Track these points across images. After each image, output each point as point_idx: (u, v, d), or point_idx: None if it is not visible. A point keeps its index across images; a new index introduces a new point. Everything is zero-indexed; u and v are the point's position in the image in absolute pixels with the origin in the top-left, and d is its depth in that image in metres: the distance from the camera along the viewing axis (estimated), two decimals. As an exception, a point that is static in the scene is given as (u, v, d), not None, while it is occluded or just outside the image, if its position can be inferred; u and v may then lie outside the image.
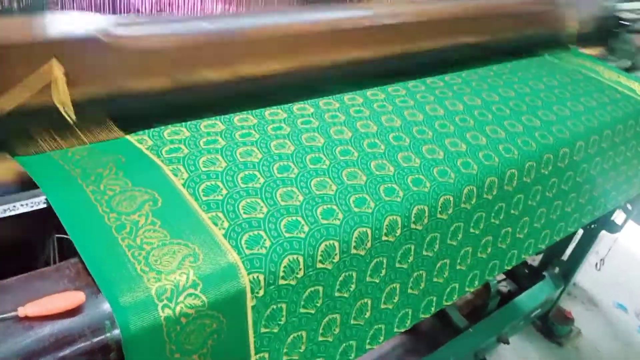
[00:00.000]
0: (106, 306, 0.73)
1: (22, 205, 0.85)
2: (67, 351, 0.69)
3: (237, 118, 1.18)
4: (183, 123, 1.13)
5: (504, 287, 2.77)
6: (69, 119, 0.96)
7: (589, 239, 2.55)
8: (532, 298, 2.54)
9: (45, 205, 0.87)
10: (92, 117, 1.04)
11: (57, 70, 0.92)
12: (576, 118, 1.49)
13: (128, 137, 1.07)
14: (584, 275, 3.11)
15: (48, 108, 0.94)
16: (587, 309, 3.03)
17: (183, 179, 0.96)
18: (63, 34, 0.94)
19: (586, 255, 2.60)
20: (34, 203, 0.86)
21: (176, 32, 1.12)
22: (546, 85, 1.65)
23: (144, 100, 1.12)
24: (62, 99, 0.93)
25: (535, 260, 2.81)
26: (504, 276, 2.82)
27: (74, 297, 0.71)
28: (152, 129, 1.09)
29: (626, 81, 1.78)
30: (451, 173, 1.15)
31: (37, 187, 0.89)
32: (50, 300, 0.70)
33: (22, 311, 0.69)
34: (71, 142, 1.02)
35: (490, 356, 2.60)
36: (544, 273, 2.69)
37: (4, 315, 0.68)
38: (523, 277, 2.76)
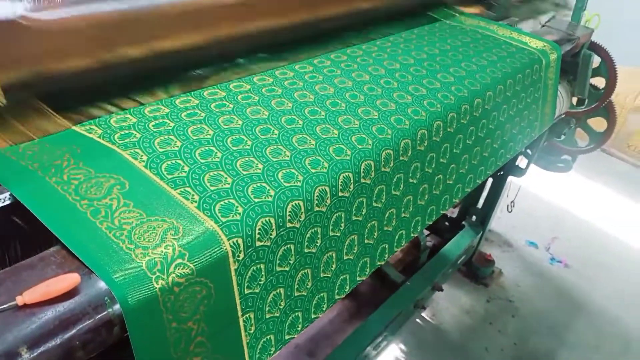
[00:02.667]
0: (102, 284, 0.75)
1: (-13, 204, 0.84)
2: (73, 331, 0.71)
3: (178, 100, 1.20)
4: (126, 110, 1.14)
5: (429, 241, 2.98)
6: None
7: (499, 185, 2.80)
8: (457, 246, 2.76)
9: (10, 201, 0.86)
10: (22, 102, 1.03)
11: None
12: (482, 72, 1.65)
13: (75, 128, 1.06)
14: (497, 221, 3.40)
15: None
16: (504, 250, 3.33)
17: (143, 160, 0.98)
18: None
19: (498, 201, 2.85)
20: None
21: (92, 12, 1.12)
22: (451, 46, 1.80)
23: (70, 81, 1.12)
24: None
25: (454, 213, 3.04)
26: (428, 231, 3.02)
27: (70, 279, 0.73)
28: (97, 119, 1.09)
29: (518, 36, 1.98)
30: (388, 130, 1.25)
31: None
32: (47, 285, 0.71)
33: (20, 300, 0.70)
34: (13, 136, 1.00)
35: (428, 304, 2.80)
36: (463, 222, 2.92)
37: (4, 306, 0.69)
38: (445, 229, 2.98)
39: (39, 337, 0.68)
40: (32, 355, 0.66)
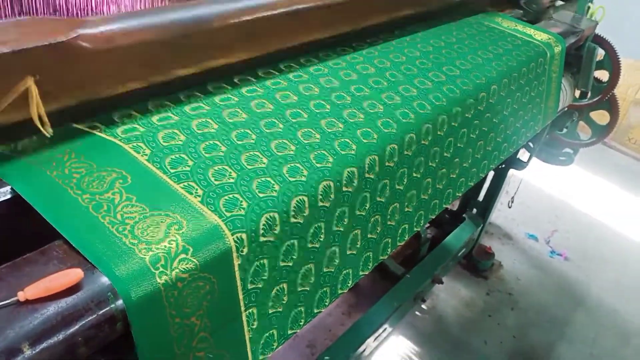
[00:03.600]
0: (104, 279, 0.74)
1: (-13, 197, 0.83)
2: (76, 327, 0.70)
3: (182, 95, 1.18)
4: (129, 106, 1.12)
5: (430, 234, 2.98)
6: (45, 133, 0.91)
7: (500, 178, 2.79)
8: (457, 239, 2.76)
9: (11, 196, 0.85)
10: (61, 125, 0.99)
11: (30, 83, 0.86)
12: (488, 65, 1.64)
13: (76, 125, 1.05)
14: (497, 214, 3.40)
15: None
16: (504, 243, 3.33)
17: (146, 155, 0.97)
18: (33, 44, 0.87)
19: (499, 194, 2.85)
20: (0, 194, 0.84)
21: (147, 26, 1.07)
22: (457, 38, 1.78)
23: (116, 104, 1.09)
24: (39, 113, 0.88)
25: (454, 205, 3.04)
26: (428, 224, 3.02)
27: (73, 274, 0.72)
28: (99, 116, 1.08)
29: (523, 28, 1.96)
30: (393, 123, 1.24)
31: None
32: (49, 281, 0.70)
33: (22, 295, 0.69)
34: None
35: (428, 297, 2.81)
36: (464, 215, 2.92)
37: (5, 302, 0.68)
38: (446, 222, 2.98)
39: (41, 333, 0.67)
40: (34, 352, 0.65)
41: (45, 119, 0.89)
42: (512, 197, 2.98)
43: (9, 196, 0.85)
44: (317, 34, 1.44)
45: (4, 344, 0.64)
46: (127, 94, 1.07)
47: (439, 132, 1.36)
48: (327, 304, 1.15)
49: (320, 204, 1.03)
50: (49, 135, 0.91)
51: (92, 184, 0.88)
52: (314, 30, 1.43)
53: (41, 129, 0.89)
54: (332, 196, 1.05)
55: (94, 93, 1.02)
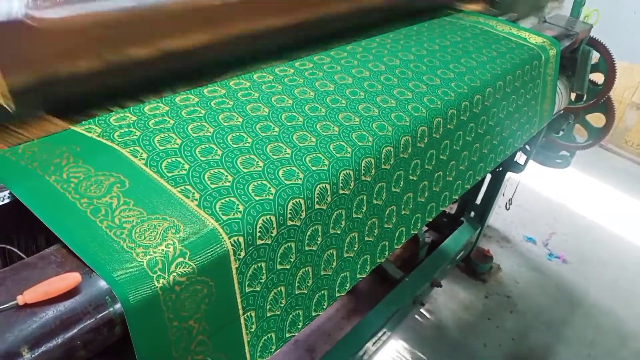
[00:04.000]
0: (102, 283, 0.75)
1: (-14, 202, 0.83)
2: (74, 330, 0.70)
3: (178, 98, 1.19)
4: (126, 109, 1.13)
5: (428, 237, 2.98)
6: (8, 108, 0.93)
7: (497, 181, 2.80)
8: (455, 242, 2.76)
9: (9, 200, 0.86)
10: (28, 106, 1.01)
11: None
12: (482, 68, 1.65)
13: (74, 127, 1.06)
14: (495, 217, 3.41)
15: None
16: (502, 246, 3.33)
17: (143, 159, 0.98)
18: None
19: (496, 197, 2.85)
20: (-2, 199, 0.85)
21: (98, 10, 1.09)
22: (451, 42, 1.80)
23: (76, 84, 1.10)
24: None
25: (452, 209, 3.04)
26: (427, 227, 3.02)
27: (71, 279, 0.72)
28: (96, 118, 1.09)
29: (517, 31, 1.97)
30: (388, 126, 1.25)
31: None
32: (47, 285, 0.71)
33: (21, 299, 0.69)
34: (13, 139, 1.00)
35: (427, 300, 2.81)
36: (462, 218, 2.92)
37: (4, 306, 0.68)
38: (444, 225, 2.98)
39: (40, 336, 0.68)
40: (33, 355, 0.66)
41: (7, 92, 0.90)
42: (510, 199, 2.98)
43: (7, 200, 0.85)
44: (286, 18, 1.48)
45: (3, 348, 0.64)
46: (90, 74, 1.10)
47: (434, 135, 1.37)
48: (325, 307, 1.15)
49: (317, 206, 1.04)
50: (11, 111, 0.92)
51: (90, 188, 0.89)
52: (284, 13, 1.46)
53: (3, 104, 0.90)
54: (329, 199, 1.06)
55: (52, 71, 1.04)
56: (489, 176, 2.81)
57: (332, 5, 1.64)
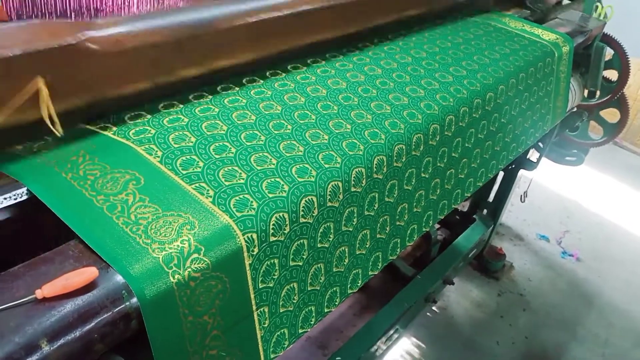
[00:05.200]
0: (119, 278, 0.76)
1: (5, 199, 0.85)
2: (92, 324, 0.72)
3: (191, 96, 1.21)
4: (137, 107, 1.14)
5: (440, 235, 2.97)
6: (56, 132, 0.93)
7: (510, 179, 2.79)
8: (468, 240, 2.75)
9: (27, 197, 0.87)
10: (71, 126, 1.02)
11: (41, 84, 0.88)
12: (495, 65, 1.64)
13: (89, 126, 1.07)
14: (508, 215, 3.40)
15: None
16: (515, 244, 3.32)
17: (158, 156, 0.99)
18: (43, 45, 0.90)
19: (509, 195, 2.84)
20: (16, 195, 0.86)
21: (155, 28, 1.10)
22: (464, 39, 1.79)
23: (119, 104, 1.11)
24: (49, 113, 0.91)
25: (464, 206, 3.03)
26: (439, 225, 3.02)
27: (88, 273, 0.74)
28: (111, 117, 1.10)
29: (530, 28, 1.96)
30: (400, 124, 1.25)
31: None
32: (65, 279, 0.72)
33: (39, 293, 0.71)
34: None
35: (439, 298, 2.80)
36: (474, 216, 2.91)
37: (23, 300, 0.70)
38: (456, 223, 2.97)
39: (58, 330, 0.69)
40: (52, 348, 0.68)
41: (56, 118, 0.91)
42: (525, 192, 2.95)
43: (25, 197, 0.87)
44: (321, 35, 1.46)
45: (22, 341, 0.66)
46: (134, 94, 1.10)
47: (446, 133, 1.37)
48: (337, 303, 1.16)
49: (329, 204, 1.04)
50: (59, 135, 0.93)
51: (107, 186, 0.90)
52: (318, 31, 1.44)
53: (52, 128, 0.92)
54: (341, 196, 1.07)
55: (101, 94, 1.04)
56: (501, 174, 2.80)
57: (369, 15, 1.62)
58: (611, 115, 2.65)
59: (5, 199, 0.85)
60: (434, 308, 2.78)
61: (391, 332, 2.28)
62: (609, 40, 2.32)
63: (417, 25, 1.84)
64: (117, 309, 0.74)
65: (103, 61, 1.00)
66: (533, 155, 2.68)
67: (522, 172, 2.76)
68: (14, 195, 0.86)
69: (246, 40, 1.26)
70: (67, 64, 0.94)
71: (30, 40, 0.89)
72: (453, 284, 2.63)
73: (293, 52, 1.39)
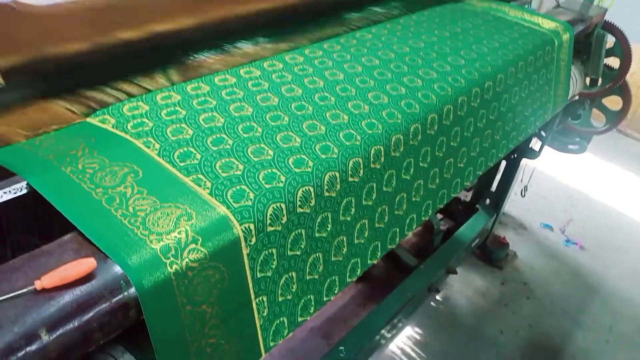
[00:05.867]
0: (117, 269, 0.77)
1: (4, 192, 0.86)
2: (90, 314, 0.73)
3: (189, 87, 1.22)
4: (138, 97, 1.15)
5: (443, 225, 2.98)
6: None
7: (513, 168, 2.78)
8: (470, 229, 2.76)
9: (27, 191, 0.89)
10: (19, 85, 1.06)
11: None
12: (494, 54, 1.64)
13: (89, 119, 1.08)
14: (511, 204, 3.39)
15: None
16: (518, 233, 3.32)
17: (156, 149, 1.00)
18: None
19: (512, 184, 2.84)
20: (16, 189, 0.87)
21: None
22: (462, 28, 1.79)
23: (69, 65, 1.14)
24: None
25: (467, 196, 3.03)
26: (442, 215, 3.03)
27: (86, 264, 0.75)
28: (110, 107, 1.11)
29: (530, 17, 1.96)
30: (398, 114, 1.26)
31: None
32: (64, 270, 0.74)
33: (38, 284, 0.72)
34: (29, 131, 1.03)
35: (443, 287, 2.81)
36: (477, 206, 2.91)
37: (22, 291, 0.71)
38: (459, 213, 2.98)
39: (57, 319, 0.71)
40: (51, 337, 0.69)
41: None
42: (525, 186, 2.96)
43: (25, 191, 0.88)
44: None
45: (22, 330, 0.67)
46: (76, 54, 1.14)
47: (444, 122, 1.37)
48: (336, 292, 1.17)
49: (326, 194, 1.05)
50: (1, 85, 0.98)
51: (105, 178, 0.92)
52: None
53: None
54: (338, 186, 1.08)
55: (41, 52, 1.08)
56: (503, 163, 2.80)
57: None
58: (614, 103, 2.63)
59: (5, 192, 0.87)
60: (437, 297, 2.80)
61: (395, 321, 2.30)
62: (610, 28, 2.31)
63: (416, 14, 1.84)
64: (115, 299, 0.76)
65: (38, 21, 1.04)
66: (535, 144, 2.67)
67: (526, 164, 2.76)
68: (14, 189, 0.87)
69: (185, 6, 1.30)
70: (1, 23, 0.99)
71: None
72: (456, 273, 2.64)
73: (245, 20, 1.43)
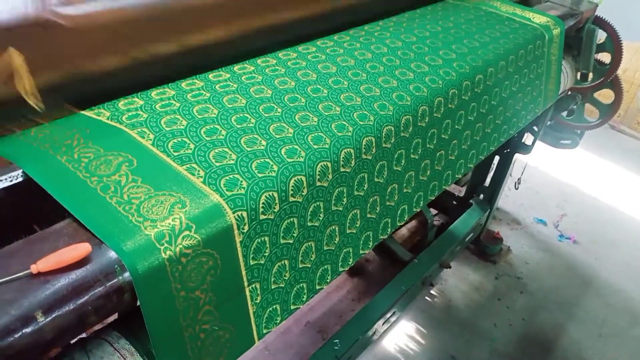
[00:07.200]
0: (112, 254, 0.79)
1: (1, 180, 0.88)
2: (85, 297, 0.75)
3: (184, 83, 1.23)
4: (133, 94, 1.17)
5: (437, 220, 3.00)
6: (37, 108, 0.96)
7: (505, 163, 2.80)
8: (464, 224, 2.78)
9: (23, 179, 0.90)
10: (54, 104, 1.04)
11: (17, 58, 0.91)
12: (485, 48, 1.66)
13: (84, 112, 1.10)
14: (505, 199, 3.42)
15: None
16: (512, 228, 3.34)
17: (150, 139, 1.02)
18: (15, 19, 0.93)
19: (505, 179, 2.86)
20: (12, 177, 0.89)
21: (124, 6, 1.13)
22: (454, 23, 1.81)
23: (102, 81, 1.14)
24: (28, 88, 0.93)
25: (461, 192, 3.06)
26: (436, 211, 3.05)
27: (81, 249, 0.77)
28: (105, 103, 1.13)
29: (521, 12, 1.98)
30: (389, 106, 1.27)
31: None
32: (59, 254, 0.75)
33: (34, 268, 0.74)
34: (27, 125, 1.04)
35: (436, 281, 2.84)
36: (471, 201, 2.93)
37: (19, 275, 0.73)
38: (453, 208, 3.00)
39: (53, 302, 0.72)
40: (47, 319, 0.70)
41: (36, 93, 0.94)
42: (519, 179, 2.98)
43: (21, 179, 0.90)
44: (303, 10, 1.49)
45: (18, 313, 0.69)
46: (112, 70, 1.13)
47: (435, 114, 1.39)
48: (328, 280, 1.19)
49: (318, 184, 1.07)
50: (40, 110, 0.96)
51: (100, 167, 0.93)
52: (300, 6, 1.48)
53: (31, 103, 0.94)
54: (330, 176, 1.09)
55: (77, 68, 1.07)
56: (497, 158, 2.82)
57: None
58: (605, 97, 2.66)
59: (1, 180, 0.88)
60: (432, 292, 2.82)
61: (389, 315, 2.32)
62: (602, 23, 2.33)
63: (409, 9, 1.86)
64: (110, 283, 0.77)
65: (75, 37, 1.03)
66: (528, 139, 2.70)
67: (520, 160, 2.78)
68: (10, 177, 0.89)
69: (219, 17, 1.29)
70: (38, 39, 0.97)
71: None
72: (450, 267, 2.67)
73: (274, 32, 1.42)
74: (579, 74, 2.35)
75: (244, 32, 1.38)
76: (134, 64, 1.16)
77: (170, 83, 1.23)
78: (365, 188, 1.22)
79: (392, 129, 1.25)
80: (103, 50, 1.10)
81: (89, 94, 1.11)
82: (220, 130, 1.07)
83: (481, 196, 2.97)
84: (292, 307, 1.11)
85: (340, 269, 1.21)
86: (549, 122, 2.66)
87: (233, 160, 1.00)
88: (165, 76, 1.23)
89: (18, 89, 0.93)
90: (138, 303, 0.81)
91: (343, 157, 1.12)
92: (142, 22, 1.15)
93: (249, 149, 1.03)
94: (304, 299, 1.13)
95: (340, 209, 1.16)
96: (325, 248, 1.15)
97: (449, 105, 1.44)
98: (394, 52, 1.52)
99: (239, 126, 1.09)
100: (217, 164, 0.98)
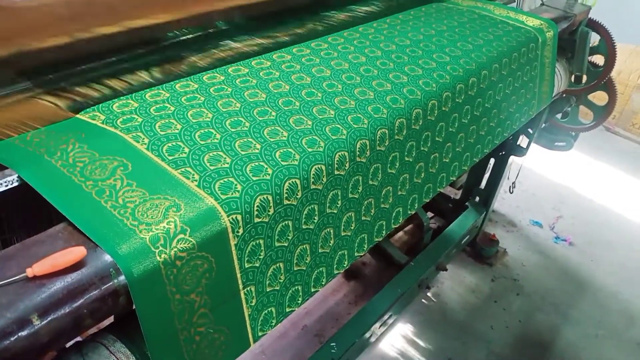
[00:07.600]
0: (107, 257, 0.80)
1: (-4, 186, 0.88)
2: (81, 300, 0.75)
3: (178, 85, 1.24)
4: (128, 95, 1.18)
5: (433, 223, 3.01)
6: None
7: (501, 165, 2.82)
8: (460, 227, 2.79)
9: (18, 183, 0.91)
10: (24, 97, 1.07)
11: None
12: (478, 51, 1.67)
13: (79, 116, 1.10)
14: (501, 202, 3.44)
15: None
16: (508, 230, 3.35)
17: (145, 143, 1.02)
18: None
19: (500, 181, 2.87)
20: (7, 182, 0.89)
21: None
22: (447, 26, 1.82)
23: (51, 59, 1.16)
24: None
25: (457, 194, 3.07)
26: (432, 214, 3.05)
27: (77, 252, 0.77)
28: (100, 105, 1.13)
29: (515, 15, 1.99)
30: (383, 109, 1.28)
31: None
32: (55, 258, 0.76)
33: (30, 272, 0.74)
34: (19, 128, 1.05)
35: (433, 284, 2.84)
36: (467, 203, 2.94)
37: (14, 278, 0.73)
38: (449, 211, 3.01)
39: (49, 305, 0.73)
40: (43, 323, 0.71)
41: None
42: (513, 183, 3.00)
43: (16, 184, 0.90)
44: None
45: (15, 316, 0.69)
46: (58, 48, 1.16)
47: (429, 117, 1.40)
48: (323, 283, 1.19)
49: (313, 186, 1.08)
50: None
51: (95, 172, 0.94)
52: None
53: None
54: (324, 179, 1.10)
55: (24, 46, 1.10)
56: (492, 161, 2.84)
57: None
58: (599, 98, 2.67)
59: (-4, 185, 0.89)
60: (428, 294, 2.82)
61: (385, 317, 2.33)
62: (595, 26, 2.35)
63: (402, 13, 1.87)
64: (105, 286, 0.78)
65: (17, 15, 1.06)
66: (523, 141, 2.71)
67: (513, 159, 2.79)
68: (5, 182, 0.89)
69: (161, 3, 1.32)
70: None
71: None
72: (446, 270, 2.67)
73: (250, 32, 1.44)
74: (572, 77, 2.36)
75: (190, 16, 1.40)
76: (79, 43, 1.19)
77: (164, 84, 1.23)
78: (359, 191, 1.22)
79: (386, 131, 1.26)
80: (44, 29, 1.13)
81: (37, 73, 1.14)
82: (215, 134, 1.08)
83: (477, 199, 2.98)
84: (288, 309, 1.11)
85: (336, 272, 1.22)
86: (543, 125, 2.67)
87: (227, 163, 1.01)
88: (112, 57, 1.27)
89: None
90: (133, 306, 0.82)
91: (337, 160, 1.13)
92: (80, 5, 1.18)
93: (243, 153, 1.04)
94: (299, 302, 1.14)
95: (335, 211, 1.17)
96: (320, 251, 1.15)
97: (443, 108, 1.45)
98: (388, 56, 1.53)
99: (233, 130, 1.10)
100: (212, 168, 0.99)
